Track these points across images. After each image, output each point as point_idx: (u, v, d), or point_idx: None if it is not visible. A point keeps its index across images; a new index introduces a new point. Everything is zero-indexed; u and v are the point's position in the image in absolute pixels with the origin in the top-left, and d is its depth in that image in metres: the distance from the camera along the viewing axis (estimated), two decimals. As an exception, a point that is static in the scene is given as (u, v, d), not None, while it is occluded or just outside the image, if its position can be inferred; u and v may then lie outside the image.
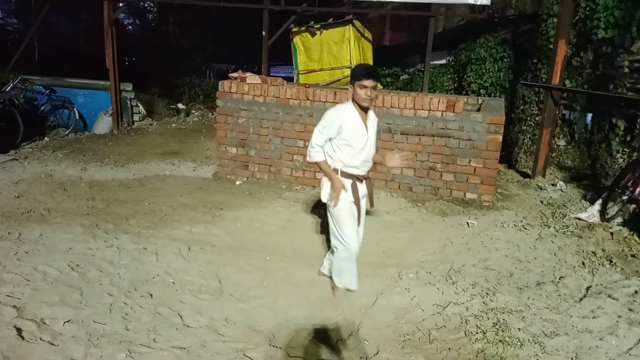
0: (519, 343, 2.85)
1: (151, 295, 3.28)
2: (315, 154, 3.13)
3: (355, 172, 3.15)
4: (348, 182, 3.14)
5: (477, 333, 2.94)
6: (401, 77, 9.74)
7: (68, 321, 2.93)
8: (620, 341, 2.95)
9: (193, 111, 11.58)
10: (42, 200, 5.10)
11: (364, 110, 3.08)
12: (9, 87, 8.14)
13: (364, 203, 3.30)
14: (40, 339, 2.77)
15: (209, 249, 4.08)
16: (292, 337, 2.88)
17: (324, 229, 4.55)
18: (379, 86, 9.43)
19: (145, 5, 16.42)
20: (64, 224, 4.46)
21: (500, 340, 2.86)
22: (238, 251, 4.07)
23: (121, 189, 5.64)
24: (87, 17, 13.01)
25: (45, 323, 2.93)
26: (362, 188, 3.24)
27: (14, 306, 3.08)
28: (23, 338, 2.77)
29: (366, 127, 3.10)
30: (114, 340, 2.76)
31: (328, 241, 4.13)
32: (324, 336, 2.90)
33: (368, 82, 2.91)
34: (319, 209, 5.11)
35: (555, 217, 5.09)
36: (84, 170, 6.35)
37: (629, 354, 2.82)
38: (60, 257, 3.79)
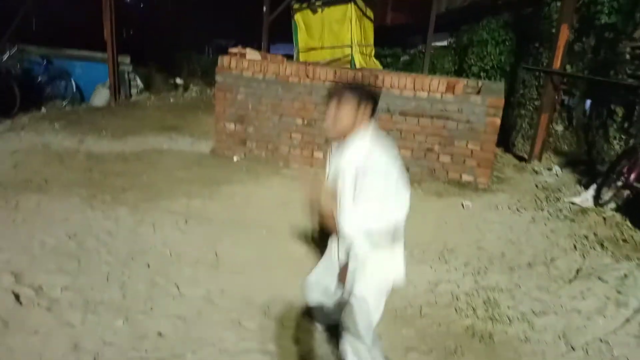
0: (508, 320, 2.92)
1: (148, 265, 3.32)
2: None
3: None
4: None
5: (467, 309, 3.00)
6: (402, 58, 9.68)
7: (65, 289, 2.97)
8: (607, 321, 3.02)
9: (191, 86, 11.51)
10: (39, 171, 5.10)
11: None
12: (5, 57, 8.04)
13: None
14: (37, 304, 2.81)
15: (206, 223, 4.11)
16: (286, 310, 2.93)
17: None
18: (377, 65, 9.40)
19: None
20: (62, 194, 4.47)
21: (489, 317, 2.93)
22: (234, 225, 4.11)
23: (118, 162, 5.64)
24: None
25: (42, 290, 2.96)
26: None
27: (11, 273, 3.11)
28: (21, 304, 2.81)
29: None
30: (111, 307, 2.81)
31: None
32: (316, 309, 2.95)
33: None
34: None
35: (550, 200, 5.14)
36: (81, 142, 6.33)
37: (615, 333, 2.89)
38: (58, 226, 3.81)
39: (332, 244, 2.27)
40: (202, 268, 3.37)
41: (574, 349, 2.71)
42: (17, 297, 2.86)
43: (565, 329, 2.88)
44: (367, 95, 1.99)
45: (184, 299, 2.97)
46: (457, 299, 3.12)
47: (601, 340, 2.80)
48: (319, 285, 2.34)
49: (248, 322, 2.77)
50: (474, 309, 3.01)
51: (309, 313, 2.90)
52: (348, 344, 2.10)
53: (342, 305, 2.17)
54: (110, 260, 3.36)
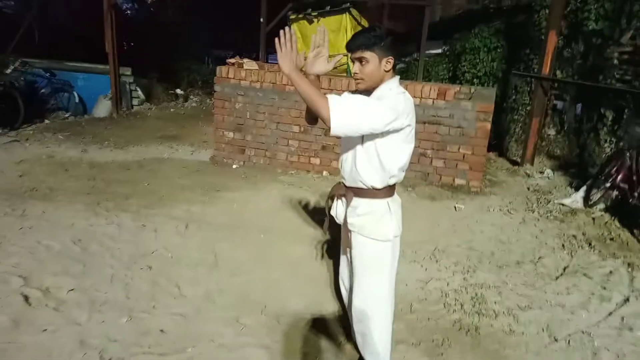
0: (494, 314, 3.05)
1: (150, 267, 3.46)
2: None
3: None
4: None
5: (455, 305, 3.13)
6: (397, 66, 9.85)
7: (72, 290, 3.12)
8: (590, 315, 3.15)
9: (191, 97, 11.71)
10: (44, 180, 5.26)
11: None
12: (9, 70, 8.25)
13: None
14: (46, 305, 2.95)
15: (206, 227, 4.26)
16: (282, 307, 3.06)
17: (317, 210, 4.74)
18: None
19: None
20: (66, 201, 4.62)
21: (476, 312, 3.06)
22: (233, 229, 4.25)
23: (121, 170, 5.80)
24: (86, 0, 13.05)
25: (50, 291, 3.10)
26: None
27: (20, 276, 3.25)
28: (30, 304, 2.95)
29: None
30: (115, 306, 2.95)
31: (319, 221, 4.31)
32: (312, 307, 3.09)
33: (352, 55, 2.06)
34: (313, 192, 5.29)
35: (540, 202, 5.28)
36: (85, 151, 6.50)
37: (597, 326, 3.02)
38: (63, 232, 3.96)
39: None
40: (202, 269, 3.51)
41: (556, 340, 2.84)
42: (26, 298, 3.00)
43: (549, 322, 3.01)
44: (388, 49, 2.03)
45: (185, 298, 3.11)
46: (446, 296, 3.26)
47: (583, 332, 2.93)
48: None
49: (245, 319, 2.91)
50: (461, 305, 3.14)
51: (304, 309, 3.04)
52: None
53: None
54: (113, 263, 3.50)
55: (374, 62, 2.03)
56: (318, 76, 2.23)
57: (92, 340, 2.62)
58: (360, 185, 2.15)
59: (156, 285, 3.24)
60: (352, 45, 2.04)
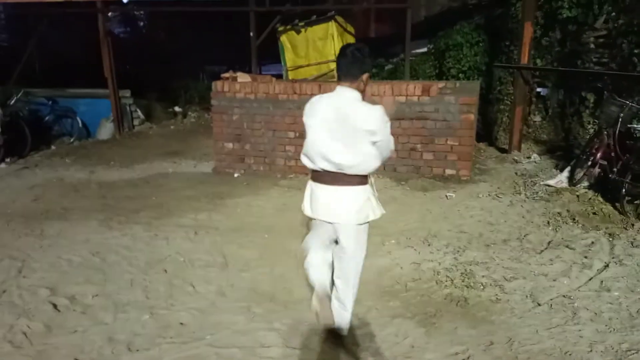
0: (482, 286, 3.33)
1: (165, 271, 3.76)
2: None
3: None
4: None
5: (446, 281, 3.42)
6: (386, 67, 10.18)
7: (96, 295, 3.41)
8: (571, 281, 3.43)
9: (190, 113, 12.03)
10: (57, 201, 5.57)
11: None
12: (12, 101, 8.58)
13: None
14: (73, 310, 3.25)
15: (213, 232, 4.55)
16: (289, 296, 3.35)
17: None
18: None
19: (135, 12, 16.83)
20: (81, 219, 4.93)
21: (465, 286, 3.34)
22: (239, 232, 4.54)
23: (129, 187, 6.11)
24: (82, 28, 13.45)
25: (75, 298, 3.40)
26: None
27: (46, 287, 3.55)
28: (59, 311, 3.25)
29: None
30: (137, 306, 3.24)
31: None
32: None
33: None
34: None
35: (527, 185, 5.57)
36: (92, 172, 6.82)
37: (578, 290, 3.31)
38: (81, 246, 4.27)
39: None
40: (213, 269, 3.81)
41: (539, 305, 3.11)
42: (54, 306, 3.30)
43: (532, 290, 3.29)
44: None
45: (199, 295, 3.40)
46: (438, 274, 3.54)
47: (564, 297, 3.20)
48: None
49: (256, 308, 3.20)
50: (452, 281, 3.42)
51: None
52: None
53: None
54: (131, 270, 3.80)
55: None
56: None
57: (119, 336, 2.92)
58: None
59: (172, 285, 3.53)
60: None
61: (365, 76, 2.50)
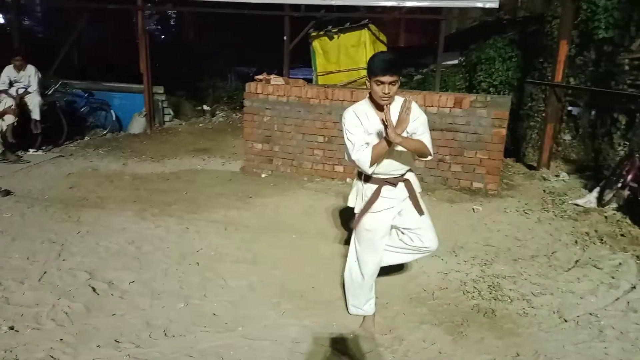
0: (509, 300, 3.37)
1: (198, 263, 3.89)
2: (360, 154, 2.63)
3: (382, 176, 2.79)
4: (372, 188, 2.80)
5: (473, 292, 3.47)
6: (415, 77, 10.23)
7: (133, 282, 3.56)
8: (598, 300, 3.45)
9: (218, 112, 12.24)
10: (93, 190, 5.77)
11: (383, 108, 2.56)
12: (50, 91, 8.88)
13: (402, 208, 2.90)
14: (111, 294, 3.40)
15: (243, 229, 4.67)
16: (319, 295, 3.44)
17: (342, 213, 5.12)
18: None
19: (169, 12, 17.22)
20: (116, 209, 5.11)
21: (493, 298, 3.39)
22: (268, 231, 4.66)
23: (160, 181, 6.29)
24: (118, 25, 13.84)
25: (113, 284, 3.55)
26: (396, 193, 2.84)
27: (85, 271, 3.71)
28: (98, 294, 3.40)
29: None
30: (172, 295, 3.38)
31: (345, 223, 4.70)
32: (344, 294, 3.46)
33: (385, 78, 2.49)
34: (338, 197, 5.66)
35: (555, 203, 5.55)
36: (125, 165, 7.02)
37: (605, 309, 3.32)
38: (117, 235, 4.43)
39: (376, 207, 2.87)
40: (243, 265, 3.92)
41: (566, 321, 3.14)
42: (93, 289, 3.45)
43: (560, 306, 3.32)
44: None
45: (231, 288, 3.52)
46: (465, 285, 3.59)
47: (591, 314, 3.22)
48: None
49: (286, 305, 3.30)
50: (479, 292, 3.47)
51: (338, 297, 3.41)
52: None
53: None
54: (166, 260, 3.94)
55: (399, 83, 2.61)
56: None
57: (156, 321, 3.05)
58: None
59: (205, 278, 3.66)
60: (394, 71, 2.53)
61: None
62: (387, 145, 2.55)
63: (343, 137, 2.73)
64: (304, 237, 4.54)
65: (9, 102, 7.26)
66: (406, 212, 2.91)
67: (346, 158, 2.82)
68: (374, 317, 3.08)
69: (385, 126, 2.47)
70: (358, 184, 2.89)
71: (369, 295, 3.02)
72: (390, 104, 2.58)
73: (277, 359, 2.74)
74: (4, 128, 7.14)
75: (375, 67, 2.53)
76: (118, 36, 13.58)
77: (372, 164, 2.63)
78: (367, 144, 2.65)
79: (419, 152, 2.69)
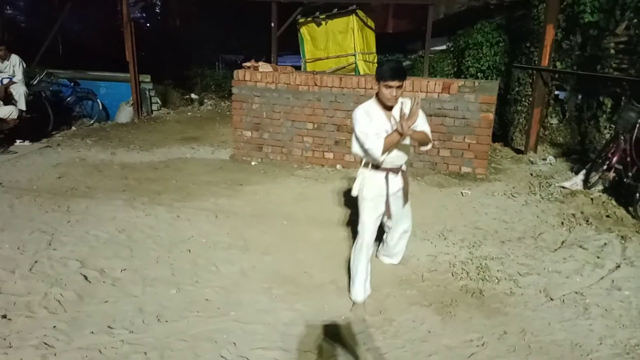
0: (497, 280, 3.44)
1: (189, 250, 3.90)
2: (373, 143, 2.89)
3: (388, 165, 3.08)
4: (380, 175, 3.09)
5: (462, 274, 3.53)
6: (404, 63, 10.24)
7: (124, 269, 3.56)
8: (584, 279, 3.52)
9: (206, 100, 12.17)
10: (81, 180, 5.73)
11: (389, 108, 2.97)
12: (35, 81, 8.75)
13: (398, 197, 3.23)
14: (103, 282, 3.40)
15: (233, 217, 4.68)
16: (309, 280, 3.48)
17: (333, 199, 5.15)
18: None
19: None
20: (105, 198, 5.09)
21: (481, 279, 3.45)
22: (258, 218, 4.67)
23: (149, 170, 6.26)
24: (102, 13, 13.60)
25: (105, 271, 3.55)
26: (397, 181, 3.16)
27: (76, 260, 3.71)
28: (90, 282, 3.41)
29: (391, 123, 2.96)
30: (164, 282, 3.39)
31: (335, 209, 4.72)
32: (337, 280, 3.50)
33: (394, 83, 2.83)
34: (327, 184, 5.69)
35: (542, 186, 5.63)
36: (114, 154, 6.98)
37: (590, 288, 3.40)
38: (107, 223, 4.42)
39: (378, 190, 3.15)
40: (234, 251, 3.94)
41: (552, 300, 3.22)
42: (85, 277, 3.46)
43: (546, 286, 3.39)
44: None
45: (223, 274, 3.54)
46: (454, 266, 3.65)
47: (577, 293, 3.30)
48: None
49: (277, 290, 3.33)
50: (467, 273, 3.53)
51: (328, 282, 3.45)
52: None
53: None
54: (156, 248, 3.95)
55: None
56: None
57: (149, 308, 3.06)
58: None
59: (196, 264, 3.67)
60: (400, 77, 2.86)
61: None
62: (397, 137, 2.85)
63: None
64: (295, 223, 4.57)
65: (-7, 92, 7.15)
66: (395, 199, 3.21)
67: (353, 151, 3.11)
68: (364, 301, 3.14)
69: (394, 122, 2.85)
70: (364, 172, 3.14)
71: (365, 277, 3.17)
72: (395, 104, 2.95)
73: (269, 341, 2.78)
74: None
75: (385, 73, 2.86)
76: (103, 24, 13.35)
77: (383, 153, 2.91)
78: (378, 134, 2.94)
79: (423, 141, 3.13)
